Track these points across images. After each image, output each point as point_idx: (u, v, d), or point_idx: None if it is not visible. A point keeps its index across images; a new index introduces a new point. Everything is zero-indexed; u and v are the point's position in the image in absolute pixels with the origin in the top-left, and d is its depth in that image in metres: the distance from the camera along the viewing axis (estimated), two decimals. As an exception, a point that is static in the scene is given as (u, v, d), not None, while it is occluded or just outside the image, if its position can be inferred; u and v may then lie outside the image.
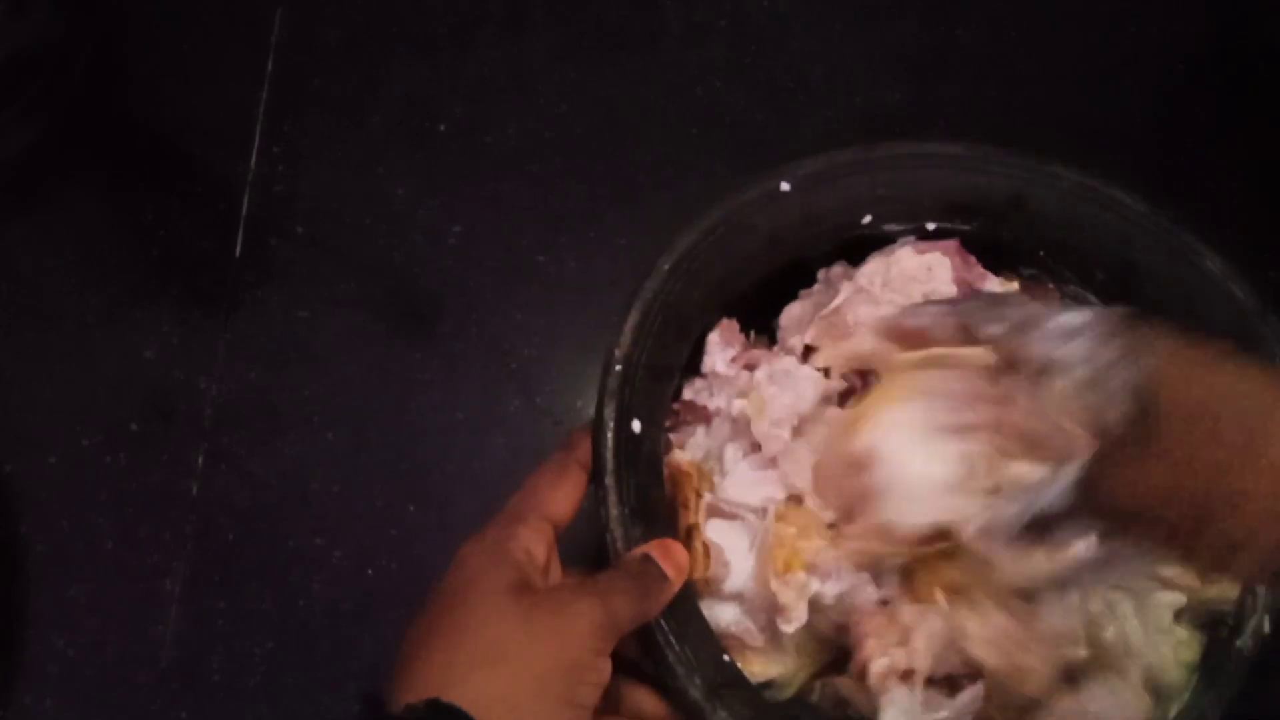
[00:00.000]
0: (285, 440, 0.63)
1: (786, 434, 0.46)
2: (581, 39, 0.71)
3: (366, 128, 0.70)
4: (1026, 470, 0.40)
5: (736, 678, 0.44)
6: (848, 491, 0.43)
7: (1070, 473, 0.37)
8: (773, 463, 0.47)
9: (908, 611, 0.43)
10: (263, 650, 0.60)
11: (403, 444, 0.63)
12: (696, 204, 0.65)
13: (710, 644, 0.44)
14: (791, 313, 0.53)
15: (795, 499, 0.47)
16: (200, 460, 0.63)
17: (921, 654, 0.43)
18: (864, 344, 0.46)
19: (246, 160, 0.68)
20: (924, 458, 0.41)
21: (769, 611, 0.45)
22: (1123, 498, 0.36)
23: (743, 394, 0.48)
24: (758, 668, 0.45)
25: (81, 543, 0.61)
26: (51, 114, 0.69)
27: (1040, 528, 0.38)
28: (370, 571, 0.61)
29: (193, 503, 0.62)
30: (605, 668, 0.38)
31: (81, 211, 0.68)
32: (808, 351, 0.50)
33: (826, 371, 0.49)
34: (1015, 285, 0.51)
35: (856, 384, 0.49)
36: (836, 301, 0.50)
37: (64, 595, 0.60)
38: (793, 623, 0.44)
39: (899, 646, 0.43)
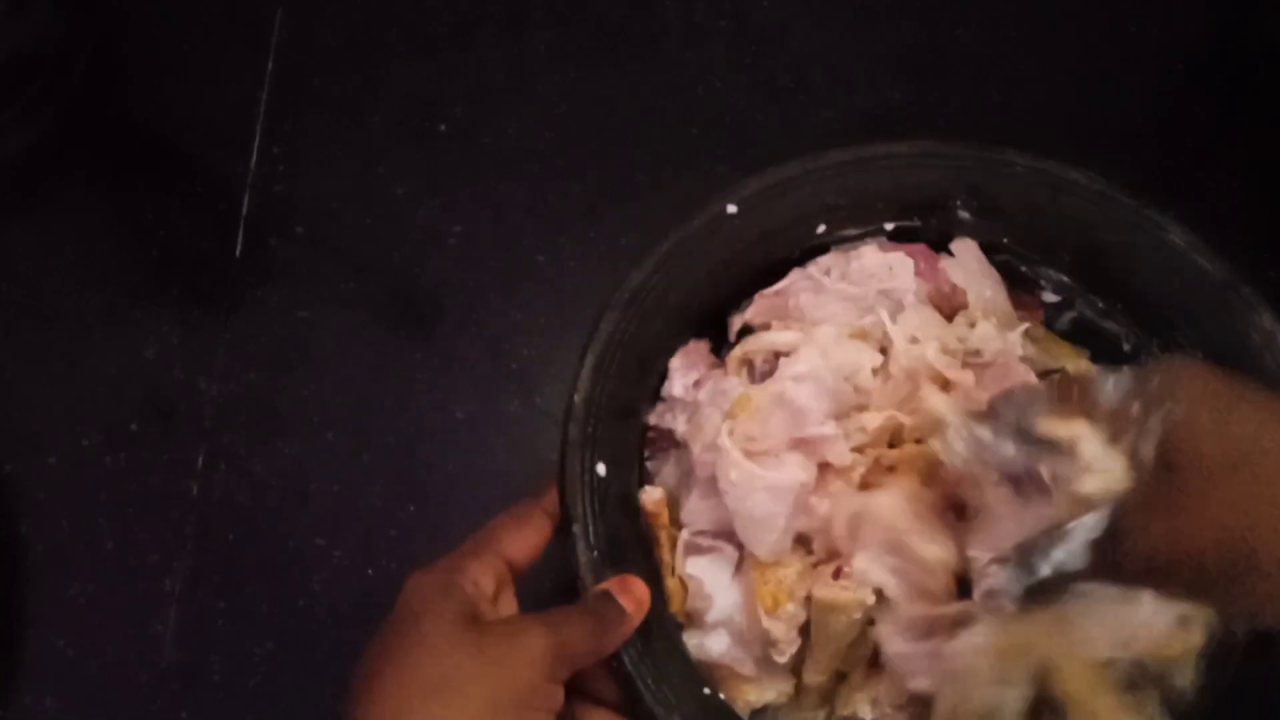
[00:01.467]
0: (285, 440, 0.63)
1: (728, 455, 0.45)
2: (581, 39, 0.71)
3: (366, 128, 0.70)
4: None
5: (718, 712, 0.44)
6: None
7: (1084, 530, 0.36)
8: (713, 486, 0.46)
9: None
10: (263, 650, 0.60)
11: (403, 444, 0.63)
12: (696, 204, 0.66)
13: (689, 680, 0.44)
14: (744, 314, 0.53)
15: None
16: (200, 460, 0.63)
17: None
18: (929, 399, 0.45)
19: (246, 160, 0.69)
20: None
21: (760, 643, 0.45)
22: (1146, 554, 0.34)
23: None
24: (753, 695, 0.45)
25: (81, 543, 0.61)
26: (51, 114, 0.69)
27: (1053, 588, 0.37)
28: (370, 571, 0.61)
29: (193, 503, 0.62)
30: (557, 695, 0.39)
31: (81, 211, 0.68)
32: (742, 333, 0.50)
33: (751, 366, 0.49)
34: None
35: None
36: (781, 285, 0.50)
37: (64, 595, 0.60)
38: (785, 653, 0.44)
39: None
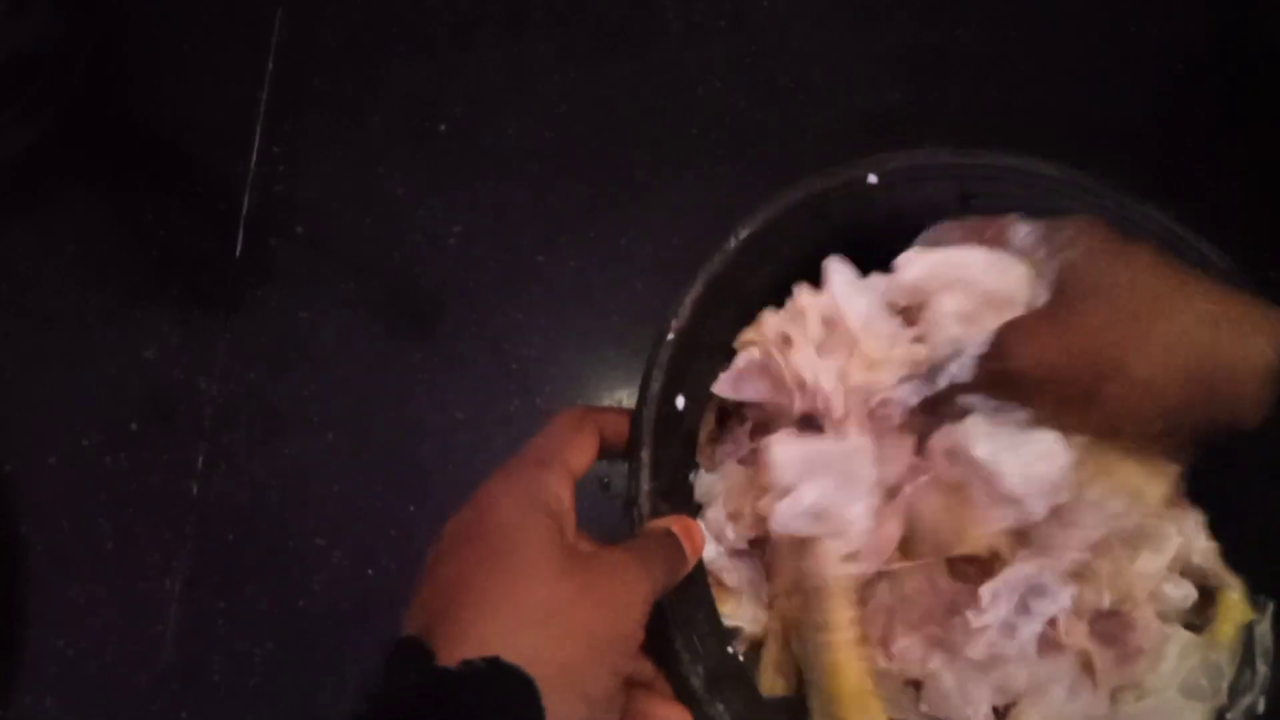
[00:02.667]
0: (285, 440, 0.63)
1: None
2: (581, 39, 0.71)
3: (366, 128, 0.70)
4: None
5: (739, 671, 0.43)
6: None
7: (974, 347, 0.41)
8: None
9: None
10: (263, 650, 0.60)
11: (403, 444, 0.63)
12: (697, 204, 0.66)
13: (717, 634, 0.43)
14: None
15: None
16: (200, 460, 0.63)
17: None
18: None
19: (246, 160, 0.69)
20: None
21: (749, 563, 0.45)
22: (1020, 365, 0.39)
23: None
24: (728, 609, 0.45)
25: (81, 543, 0.61)
26: (51, 114, 0.69)
27: (943, 399, 0.42)
28: (370, 571, 0.61)
29: (193, 503, 0.62)
30: (642, 639, 0.37)
31: (81, 211, 0.68)
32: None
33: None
34: None
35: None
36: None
37: (64, 595, 0.60)
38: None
39: None
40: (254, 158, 0.69)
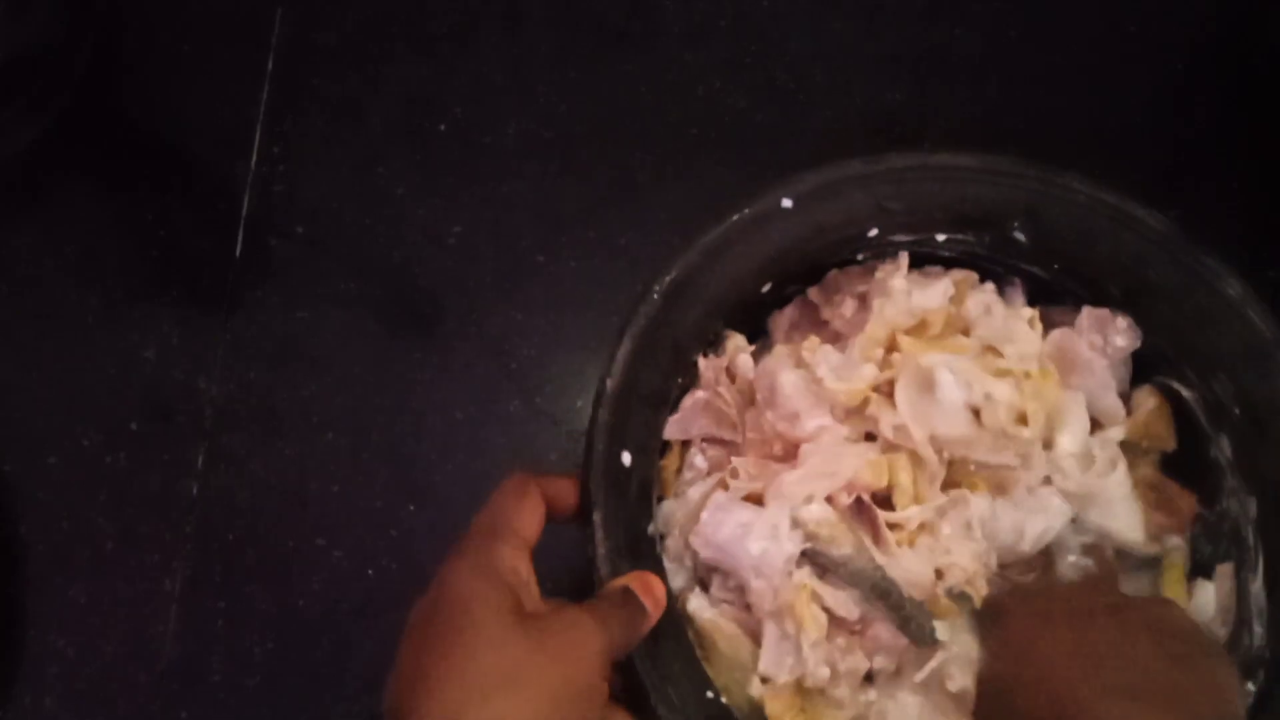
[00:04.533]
0: (285, 440, 0.63)
1: None
2: (581, 39, 0.71)
3: (366, 128, 0.70)
4: None
5: (720, 715, 0.43)
6: None
7: None
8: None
9: None
10: (263, 650, 0.60)
11: (403, 444, 0.63)
12: (696, 204, 0.66)
13: (695, 682, 0.43)
14: (781, 317, 0.53)
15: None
16: (200, 460, 0.63)
17: None
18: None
19: (246, 160, 0.68)
20: None
21: None
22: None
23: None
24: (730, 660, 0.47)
25: (81, 543, 0.61)
26: (51, 114, 0.69)
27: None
28: (370, 571, 0.61)
29: (193, 503, 0.62)
30: (606, 692, 0.38)
31: (81, 211, 0.68)
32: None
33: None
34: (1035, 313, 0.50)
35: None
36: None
37: (64, 595, 0.60)
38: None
39: None
40: (254, 158, 0.69)
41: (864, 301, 0.50)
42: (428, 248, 0.67)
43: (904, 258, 0.50)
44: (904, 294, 0.48)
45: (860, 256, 0.51)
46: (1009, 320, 0.49)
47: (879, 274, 0.50)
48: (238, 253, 0.67)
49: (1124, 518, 0.48)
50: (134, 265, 0.67)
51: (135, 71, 0.71)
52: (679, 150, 0.68)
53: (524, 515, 0.41)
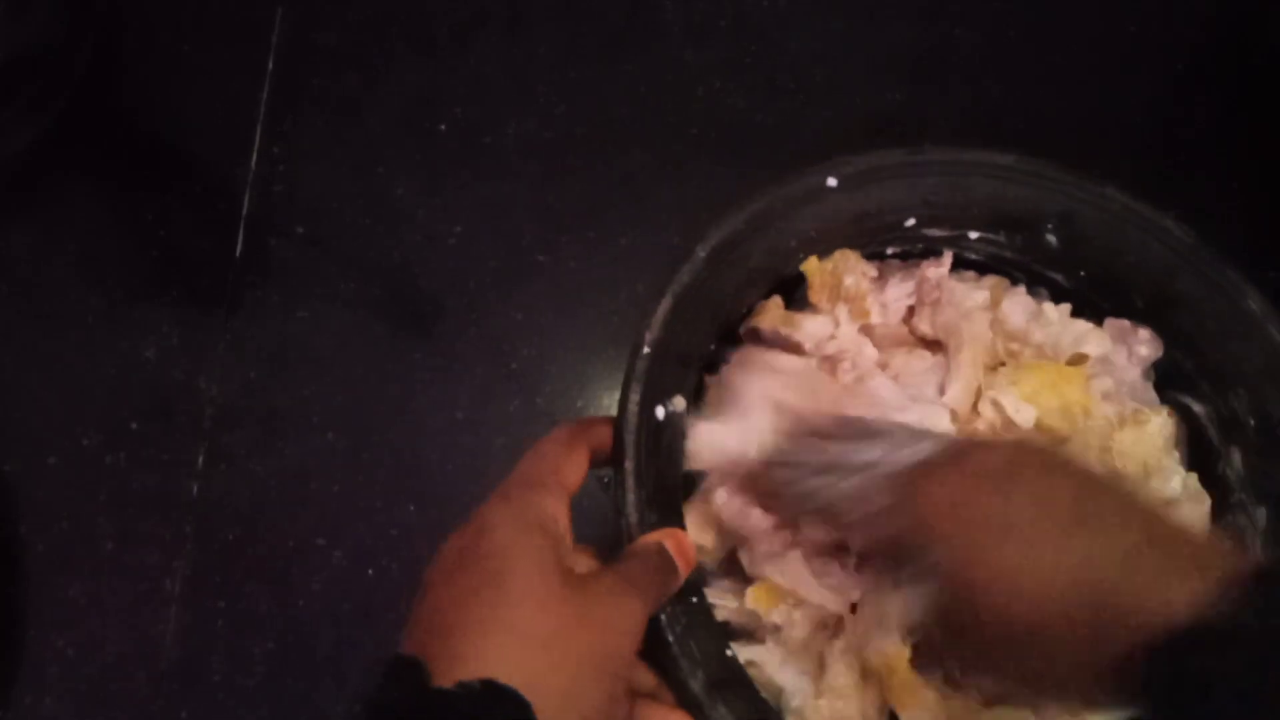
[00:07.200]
0: (285, 440, 0.63)
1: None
2: (581, 39, 0.71)
3: (366, 128, 0.70)
4: None
5: (739, 675, 0.44)
6: None
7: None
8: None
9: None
10: (263, 650, 0.60)
11: (403, 444, 0.63)
12: (697, 204, 0.66)
13: (715, 639, 0.43)
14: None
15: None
16: (200, 460, 0.63)
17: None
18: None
19: (246, 160, 0.69)
20: None
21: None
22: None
23: None
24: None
25: (81, 543, 0.61)
26: (51, 114, 0.69)
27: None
28: (370, 571, 0.61)
29: (193, 503, 0.62)
30: (636, 660, 0.38)
31: (81, 211, 0.68)
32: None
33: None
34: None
35: None
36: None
37: (64, 595, 0.60)
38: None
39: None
40: (254, 158, 0.69)
41: (917, 297, 0.51)
42: (428, 248, 0.67)
43: (948, 257, 0.51)
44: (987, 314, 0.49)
45: (890, 251, 0.52)
46: (1065, 325, 0.49)
47: (928, 272, 0.50)
48: (238, 253, 0.67)
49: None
50: (134, 265, 0.67)
51: (135, 71, 0.71)
52: (679, 150, 0.68)
53: (569, 465, 0.40)
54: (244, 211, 0.68)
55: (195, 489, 0.62)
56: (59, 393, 0.64)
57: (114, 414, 0.63)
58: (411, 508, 0.62)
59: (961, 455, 0.38)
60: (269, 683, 0.59)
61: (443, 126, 0.69)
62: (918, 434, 0.41)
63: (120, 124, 0.70)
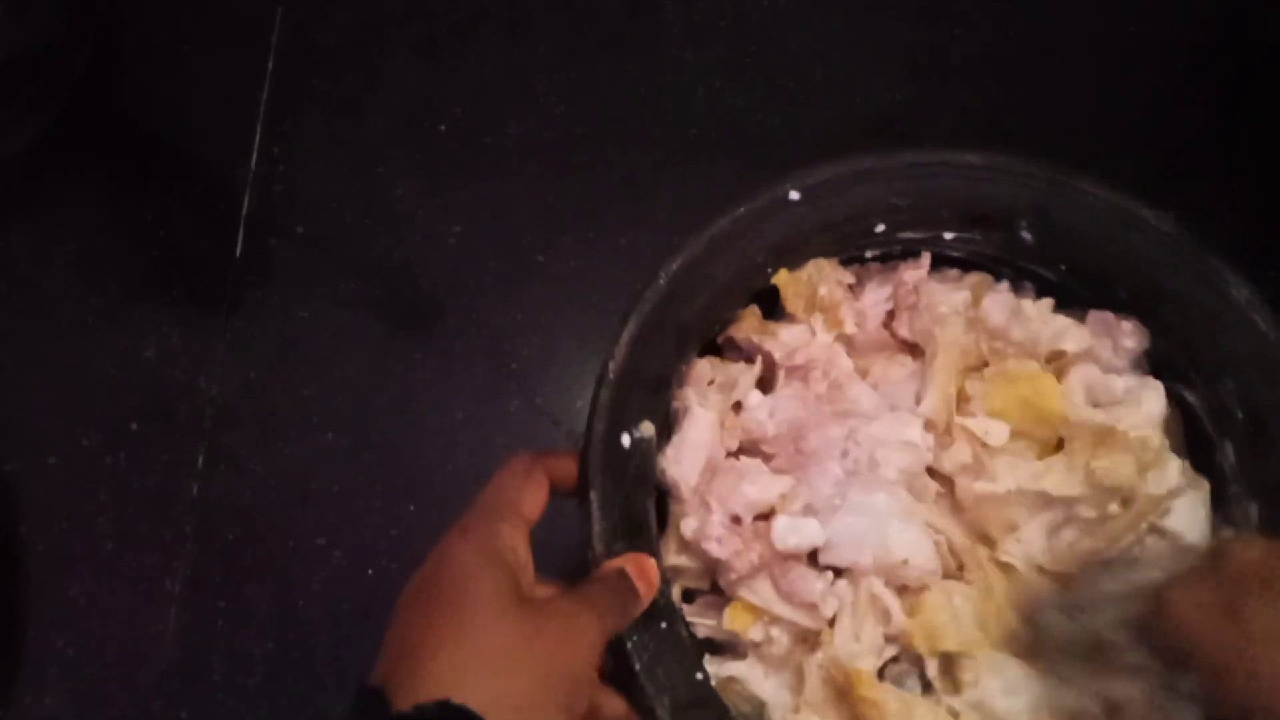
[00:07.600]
0: (285, 440, 0.63)
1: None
2: (581, 39, 0.71)
3: (366, 128, 0.70)
4: None
5: (708, 697, 0.44)
6: None
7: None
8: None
9: None
10: (263, 650, 0.60)
11: (403, 444, 0.63)
12: (697, 204, 0.66)
13: (684, 663, 0.43)
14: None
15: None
16: (200, 460, 0.63)
17: None
18: None
19: (246, 160, 0.69)
20: None
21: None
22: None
23: None
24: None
25: (81, 543, 0.61)
26: (51, 114, 0.69)
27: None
28: (370, 571, 0.61)
29: (193, 503, 0.62)
30: (596, 678, 0.39)
31: (81, 211, 0.68)
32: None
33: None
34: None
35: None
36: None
37: (64, 595, 0.60)
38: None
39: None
40: (254, 158, 0.69)
41: (895, 302, 0.50)
42: (428, 248, 0.67)
43: (926, 259, 0.50)
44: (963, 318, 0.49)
45: (869, 255, 0.52)
46: (1045, 321, 0.49)
47: (905, 275, 0.50)
48: (238, 253, 0.67)
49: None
50: (134, 265, 0.67)
51: (135, 71, 0.71)
52: (679, 150, 0.68)
53: (527, 495, 0.41)
54: (244, 211, 0.68)
55: (195, 489, 0.62)
56: (59, 393, 0.64)
57: (114, 414, 0.63)
58: (411, 508, 0.62)
59: (1218, 557, 0.39)
60: (269, 683, 0.59)
61: (443, 126, 0.70)
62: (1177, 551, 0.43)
63: (120, 124, 0.70)
